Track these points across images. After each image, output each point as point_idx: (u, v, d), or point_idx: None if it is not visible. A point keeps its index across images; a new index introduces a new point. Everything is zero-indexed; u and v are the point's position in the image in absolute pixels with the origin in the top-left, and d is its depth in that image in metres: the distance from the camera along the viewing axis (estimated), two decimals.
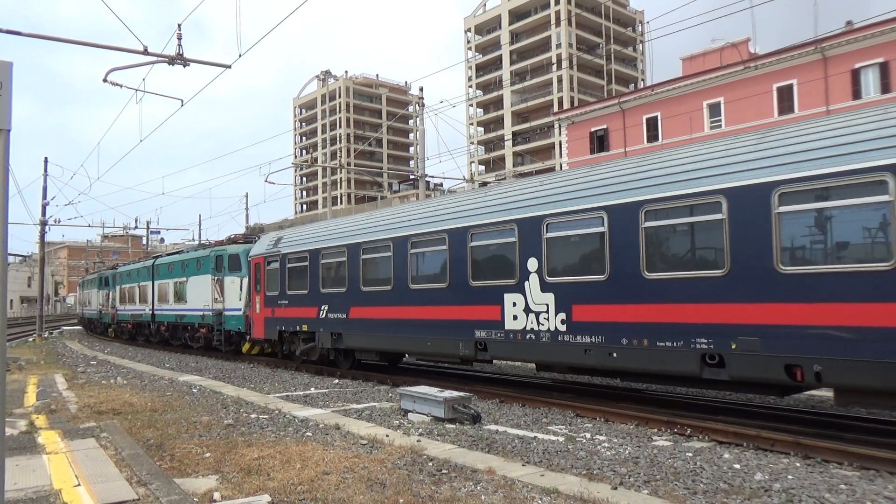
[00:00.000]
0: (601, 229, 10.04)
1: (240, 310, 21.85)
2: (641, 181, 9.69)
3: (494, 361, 10.70)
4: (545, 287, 10.89)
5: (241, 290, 22.03)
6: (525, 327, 11.18)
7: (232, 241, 24.35)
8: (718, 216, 8.61)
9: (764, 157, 8.44)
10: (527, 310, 11.18)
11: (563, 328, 10.59)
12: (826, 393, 11.65)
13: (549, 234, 10.85)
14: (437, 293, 13.01)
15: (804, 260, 7.91)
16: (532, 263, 11.10)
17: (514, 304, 11.39)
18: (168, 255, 30.47)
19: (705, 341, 8.84)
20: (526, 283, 11.19)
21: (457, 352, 12.56)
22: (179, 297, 26.70)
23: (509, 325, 11.45)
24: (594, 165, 11.14)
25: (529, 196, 11.44)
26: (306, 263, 17.25)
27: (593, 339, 10.15)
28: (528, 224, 11.15)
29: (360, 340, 15.29)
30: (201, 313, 24.46)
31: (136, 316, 32.16)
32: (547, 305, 10.86)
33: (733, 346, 8.54)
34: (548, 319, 10.83)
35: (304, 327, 17.26)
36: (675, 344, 9.15)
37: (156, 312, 29.42)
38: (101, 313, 40.27)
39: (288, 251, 18.18)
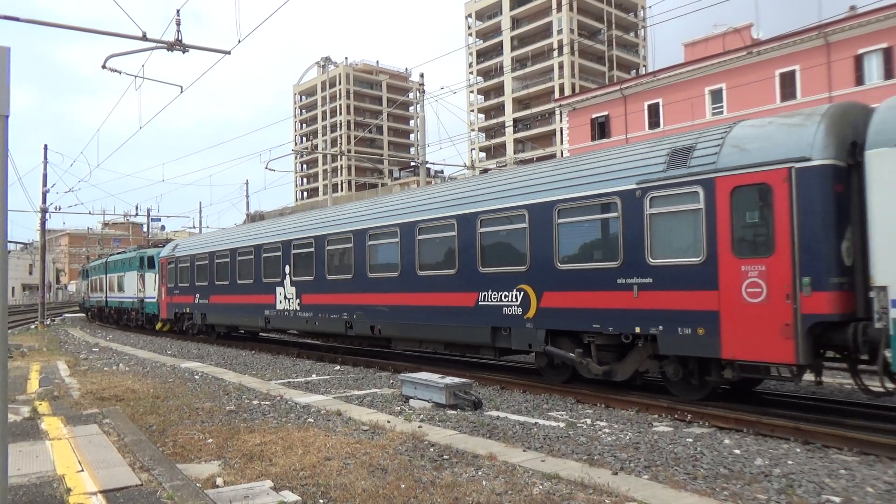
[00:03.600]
0: (311, 250, 17.01)
1: (154, 297, 29.00)
2: (324, 223, 16.89)
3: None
4: (292, 283, 17.77)
5: (154, 283, 29.12)
6: (285, 308, 18.13)
7: (154, 245, 33.67)
8: (349, 245, 15.64)
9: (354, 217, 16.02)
10: (285, 297, 18.08)
11: (298, 308, 17.52)
12: (828, 380, 11.67)
13: (294, 251, 17.74)
14: (249, 286, 20.08)
15: (376, 269, 14.79)
16: (287, 269, 18.03)
17: (280, 293, 18.36)
18: (117, 254, 38.19)
19: (346, 315, 15.68)
20: (285, 281, 18.12)
21: (257, 324, 19.86)
22: (120, 287, 34.59)
23: (278, 306, 18.42)
24: (321, 209, 18.75)
25: (285, 227, 18.63)
26: (188, 264, 24.20)
27: (310, 314, 17.06)
28: (284, 245, 18.24)
29: (216, 318, 22.64)
30: (132, 300, 32.49)
31: (99, 302, 40.24)
32: (293, 294, 17.74)
33: (355, 317, 15.40)
34: (293, 303, 17.75)
35: (187, 310, 24.40)
36: (336, 316, 16.06)
37: (108, 299, 37.49)
38: (84, 300, 48.63)
39: (179, 255, 25.14)
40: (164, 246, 29.67)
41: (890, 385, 7.94)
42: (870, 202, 7.57)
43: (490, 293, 12.00)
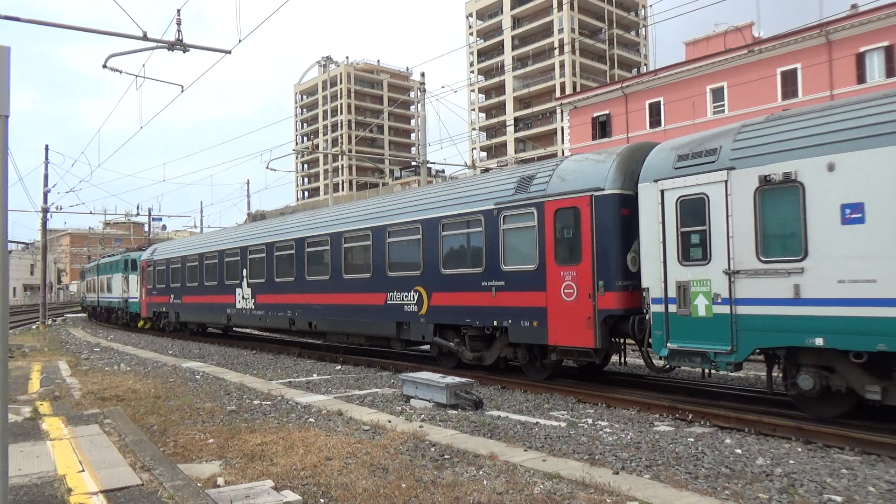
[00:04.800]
0: (264, 255, 19.47)
1: (137, 297, 31.69)
2: (273, 233, 19.29)
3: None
4: (249, 285, 20.31)
5: (137, 284, 31.76)
6: (243, 307, 20.63)
7: (137, 249, 36.38)
8: (292, 252, 17.97)
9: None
10: (243, 297, 20.61)
11: (253, 307, 20.00)
12: None
13: (250, 256, 20.24)
14: (214, 287, 22.60)
15: (313, 272, 17.02)
16: (245, 272, 20.54)
17: (239, 294, 20.89)
18: (107, 257, 41.12)
19: (290, 312, 17.97)
20: (243, 283, 20.62)
21: (221, 321, 22.52)
22: (109, 288, 37.52)
23: (238, 305, 20.96)
24: (272, 220, 21.47)
25: (243, 235, 21.25)
26: (164, 267, 27.03)
27: (263, 312, 19.49)
28: (242, 251, 20.75)
29: (187, 316, 25.36)
30: (118, 300, 35.43)
31: (93, 301, 43.72)
32: (250, 294, 20.24)
33: (297, 314, 17.68)
34: (249, 302, 20.24)
35: (164, 309, 27.19)
36: (282, 314, 18.38)
37: (99, 299, 40.70)
38: (82, 299, 52.86)
39: (157, 258, 28.03)
40: (145, 250, 32.54)
41: (658, 363, 10.03)
42: (640, 223, 9.71)
43: (395, 293, 14.27)
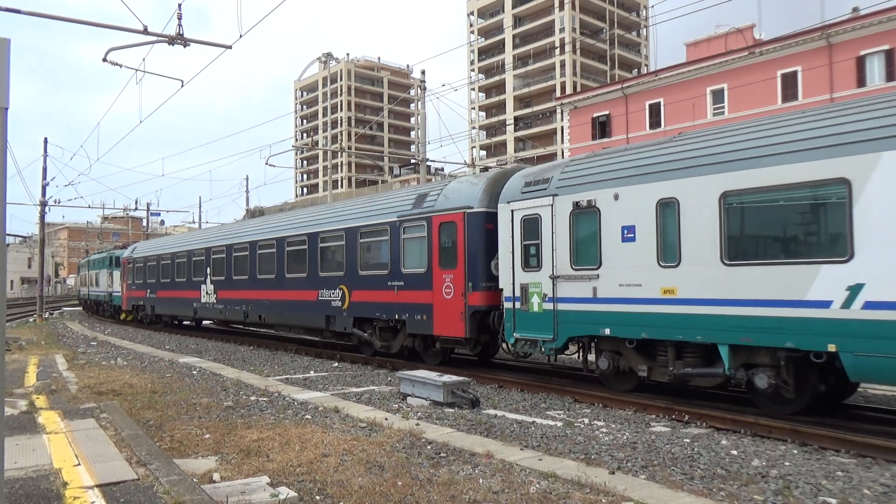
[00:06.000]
0: (224, 255, 21.74)
1: (120, 291, 34.27)
2: (233, 235, 21.65)
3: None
4: (212, 282, 22.71)
5: (120, 279, 34.18)
6: (206, 301, 23.04)
7: (122, 247, 39.15)
8: (247, 253, 20.33)
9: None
10: (207, 293, 22.95)
11: (215, 301, 22.38)
12: None
13: (213, 256, 22.67)
14: (184, 283, 25.11)
15: (262, 272, 19.25)
16: (209, 270, 22.97)
17: (204, 290, 23.28)
18: (96, 254, 43.78)
19: (244, 306, 20.40)
20: (207, 279, 23.03)
21: (189, 314, 24.89)
22: (97, 283, 40.23)
23: (202, 300, 23.37)
24: (233, 224, 25.26)
25: (208, 237, 23.77)
26: (143, 264, 29.87)
27: (223, 306, 21.87)
28: (207, 251, 23.19)
29: (161, 309, 28.04)
30: (104, 293, 38.13)
31: (85, 295, 46.54)
32: (213, 290, 22.59)
33: (250, 308, 20.03)
34: (212, 297, 22.63)
35: (141, 302, 30.04)
36: (238, 308, 20.73)
37: (90, 292, 43.48)
38: (78, 292, 54.75)
39: (136, 256, 30.97)
40: (127, 248, 35.59)
41: (511, 349, 11.85)
42: (498, 236, 11.87)
43: (325, 291, 16.38)
